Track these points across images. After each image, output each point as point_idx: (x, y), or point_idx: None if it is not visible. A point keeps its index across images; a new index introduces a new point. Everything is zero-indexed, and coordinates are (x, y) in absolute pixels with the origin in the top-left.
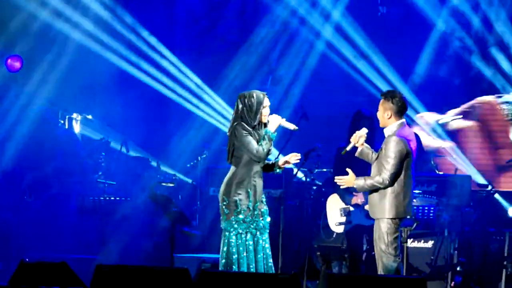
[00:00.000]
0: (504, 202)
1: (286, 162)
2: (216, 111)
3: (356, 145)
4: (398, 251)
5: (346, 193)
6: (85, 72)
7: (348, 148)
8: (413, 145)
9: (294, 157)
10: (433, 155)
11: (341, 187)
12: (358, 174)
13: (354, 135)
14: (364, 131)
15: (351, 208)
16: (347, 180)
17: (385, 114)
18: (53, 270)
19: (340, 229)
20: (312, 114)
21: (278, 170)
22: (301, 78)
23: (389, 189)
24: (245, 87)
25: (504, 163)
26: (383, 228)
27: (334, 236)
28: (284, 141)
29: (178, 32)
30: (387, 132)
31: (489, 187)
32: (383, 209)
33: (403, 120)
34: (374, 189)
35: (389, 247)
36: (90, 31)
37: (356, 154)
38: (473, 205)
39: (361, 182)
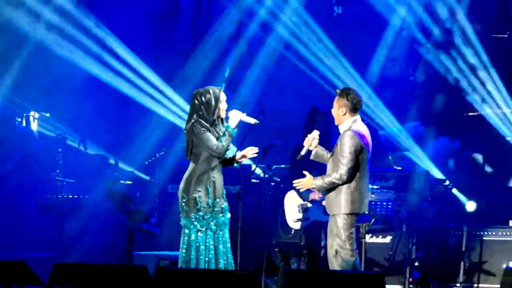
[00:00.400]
0: (461, 197)
1: (244, 156)
2: (175, 108)
3: (310, 148)
4: (354, 246)
5: (307, 190)
6: (43, 70)
7: (302, 153)
8: (368, 140)
9: (251, 151)
10: (391, 151)
11: (301, 190)
12: (316, 172)
13: (307, 138)
14: (316, 134)
15: (309, 204)
16: (305, 182)
17: (339, 111)
18: (11, 269)
19: (298, 226)
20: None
21: (235, 165)
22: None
23: (345, 185)
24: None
25: None
26: (339, 223)
27: (292, 232)
28: (242, 137)
29: (137, 30)
30: (342, 128)
31: (447, 182)
32: (339, 205)
33: (358, 116)
34: (329, 191)
35: (346, 242)
36: (49, 29)
37: (311, 157)
38: (431, 200)
39: (319, 182)
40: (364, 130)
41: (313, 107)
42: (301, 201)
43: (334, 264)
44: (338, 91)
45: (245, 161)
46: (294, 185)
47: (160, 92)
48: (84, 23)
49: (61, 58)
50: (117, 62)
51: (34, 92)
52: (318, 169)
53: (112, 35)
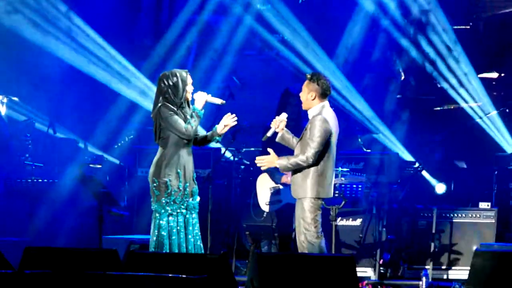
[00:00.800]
0: (431, 179)
1: (225, 126)
2: (144, 91)
3: (277, 130)
4: (320, 229)
5: (276, 172)
6: (11, 53)
7: (268, 134)
8: (336, 127)
9: (231, 119)
10: (360, 134)
11: (262, 168)
12: (285, 154)
13: (274, 120)
14: (284, 116)
15: (281, 187)
16: (269, 159)
17: (309, 95)
18: None
19: (270, 208)
20: (238, 92)
21: (218, 138)
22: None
23: (312, 169)
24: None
25: None
26: (305, 207)
27: (264, 215)
28: (211, 121)
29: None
30: (311, 113)
31: (417, 164)
32: (306, 189)
33: (326, 102)
34: (298, 169)
35: (311, 225)
36: (12, 10)
37: (277, 139)
38: (401, 182)
39: (284, 161)
40: (333, 116)
41: (286, 89)
42: (273, 184)
43: (301, 248)
44: (308, 75)
45: (215, 145)
46: (256, 161)
47: (128, 76)
48: (50, 7)
49: (29, 42)
50: (85, 45)
51: (1, 77)
52: (289, 152)
53: (80, 18)
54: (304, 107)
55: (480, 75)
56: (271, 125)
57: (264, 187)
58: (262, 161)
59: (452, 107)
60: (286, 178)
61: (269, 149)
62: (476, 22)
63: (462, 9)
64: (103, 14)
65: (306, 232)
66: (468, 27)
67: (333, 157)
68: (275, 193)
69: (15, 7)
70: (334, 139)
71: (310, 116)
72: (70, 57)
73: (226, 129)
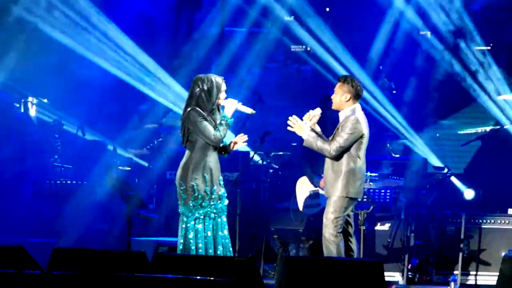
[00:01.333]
0: (460, 185)
1: (235, 143)
2: (173, 93)
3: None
4: (339, 231)
5: (315, 176)
6: (40, 55)
7: None
8: (367, 129)
9: (240, 138)
10: (389, 139)
11: (288, 128)
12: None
13: (307, 113)
14: (318, 111)
15: (320, 191)
16: (300, 125)
17: (343, 97)
18: (9, 254)
19: (308, 212)
20: (266, 97)
21: (224, 154)
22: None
23: (344, 169)
24: (203, 70)
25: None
26: (331, 204)
27: (305, 219)
28: (240, 125)
29: (133, 14)
30: (344, 114)
31: (445, 170)
32: (337, 187)
33: (358, 104)
34: (331, 169)
35: (332, 223)
36: (45, 13)
37: None
38: (430, 187)
39: (311, 138)
40: (364, 118)
41: (326, 94)
42: (312, 188)
43: (323, 243)
44: (341, 77)
45: (243, 148)
46: (288, 120)
47: (157, 78)
48: (82, 9)
49: (59, 44)
50: (115, 48)
51: (32, 78)
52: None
53: (111, 22)
54: (335, 107)
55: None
56: (303, 118)
57: (303, 190)
58: (294, 123)
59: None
60: (323, 182)
61: (304, 117)
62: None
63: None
64: (132, 17)
65: (325, 228)
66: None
67: (363, 158)
68: (314, 196)
69: (50, 11)
70: (365, 141)
71: (342, 117)
72: (100, 60)
73: (235, 147)
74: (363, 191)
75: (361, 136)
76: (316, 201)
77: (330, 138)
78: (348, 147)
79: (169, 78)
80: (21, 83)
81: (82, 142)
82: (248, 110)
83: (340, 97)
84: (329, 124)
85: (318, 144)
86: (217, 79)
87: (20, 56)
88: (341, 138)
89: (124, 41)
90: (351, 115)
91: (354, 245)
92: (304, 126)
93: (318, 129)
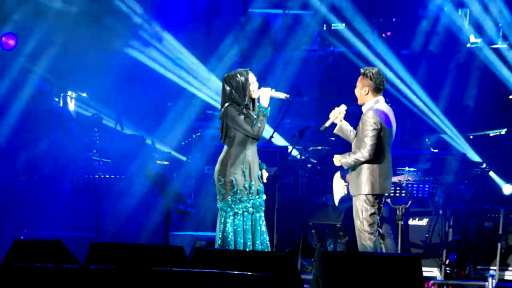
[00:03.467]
0: (498, 180)
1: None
2: (211, 89)
3: (335, 121)
4: (374, 229)
5: (343, 170)
6: (79, 49)
7: (326, 125)
8: (391, 121)
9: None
10: (427, 134)
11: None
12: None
13: (333, 111)
14: (343, 108)
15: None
16: (334, 159)
17: (362, 91)
18: (48, 248)
19: (343, 206)
20: (306, 91)
21: None
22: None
23: (365, 166)
24: (243, 65)
25: None
26: (358, 205)
27: (342, 214)
28: (279, 118)
29: (174, 9)
30: (364, 108)
31: (484, 165)
32: (359, 186)
33: (381, 97)
34: (353, 167)
35: (364, 224)
36: (83, 7)
37: (335, 131)
38: (468, 182)
39: (345, 159)
40: (387, 110)
41: None
42: (344, 182)
43: (358, 247)
44: (362, 70)
45: (282, 143)
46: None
47: (196, 73)
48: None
49: (97, 37)
50: (154, 42)
51: (70, 72)
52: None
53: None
54: (359, 102)
55: None
56: (330, 116)
57: (338, 185)
58: (335, 160)
59: None
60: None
61: (330, 116)
62: None
63: None
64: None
65: (358, 232)
66: None
67: (387, 152)
68: (348, 190)
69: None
70: (386, 133)
71: (363, 111)
72: (139, 54)
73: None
74: (401, 186)
75: (381, 129)
76: (348, 195)
77: (354, 136)
78: (377, 142)
79: (208, 73)
80: (61, 76)
81: (121, 136)
82: (282, 95)
83: (360, 91)
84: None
85: (352, 157)
86: (243, 72)
87: (59, 50)
88: (367, 137)
89: (166, 35)
90: (369, 109)
91: (389, 245)
92: (336, 156)
93: (346, 124)
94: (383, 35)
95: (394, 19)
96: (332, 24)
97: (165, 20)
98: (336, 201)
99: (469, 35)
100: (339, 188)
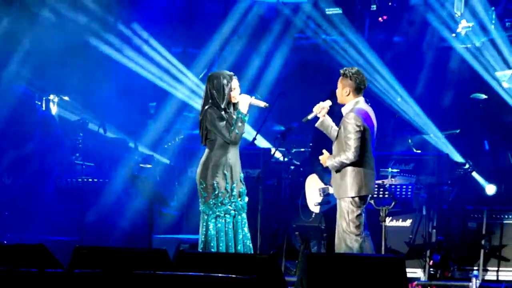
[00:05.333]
0: (481, 180)
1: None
2: (194, 91)
3: (318, 115)
4: (360, 230)
5: (325, 173)
6: (62, 53)
7: (309, 117)
8: (372, 122)
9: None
10: (410, 134)
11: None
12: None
13: (318, 105)
14: (328, 103)
15: (330, 189)
16: (322, 159)
17: (343, 91)
18: (31, 252)
19: (318, 209)
20: (289, 93)
21: None
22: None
23: (349, 168)
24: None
25: None
26: (343, 207)
27: (313, 216)
28: (261, 121)
29: (154, 9)
30: (344, 109)
31: (467, 166)
32: (345, 188)
33: (361, 98)
34: (336, 169)
35: (350, 226)
36: (67, 11)
37: (317, 125)
38: (451, 183)
39: (330, 161)
40: (367, 111)
41: (332, 90)
42: (322, 185)
43: (339, 249)
44: (342, 71)
45: (265, 145)
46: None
47: (178, 76)
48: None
49: (80, 41)
50: (135, 44)
51: (52, 76)
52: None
53: (132, 19)
54: (339, 101)
55: None
56: (313, 109)
57: (313, 188)
58: (321, 160)
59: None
60: None
61: (324, 150)
62: None
63: None
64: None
65: (345, 234)
66: None
67: (369, 153)
68: (324, 194)
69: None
70: (368, 134)
71: (343, 112)
72: (121, 57)
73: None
74: (384, 187)
75: (364, 130)
76: (327, 199)
77: (334, 138)
78: (361, 144)
79: (192, 75)
80: (43, 81)
81: (104, 139)
82: (261, 104)
83: (341, 91)
84: (337, 120)
85: (336, 160)
86: (226, 75)
87: (41, 54)
88: (350, 140)
89: (145, 37)
90: (350, 110)
91: (367, 246)
92: (323, 157)
93: (329, 120)
94: (380, 19)
95: (390, 3)
96: (326, 9)
97: (147, 20)
98: (309, 204)
99: (461, 19)
100: (314, 192)
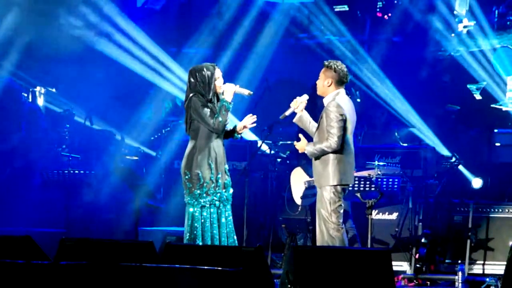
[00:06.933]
0: (467, 174)
1: (244, 126)
2: (181, 83)
3: (296, 110)
4: (341, 220)
5: (310, 166)
6: (48, 44)
7: (287, 113)
8: (351, 113)
9: (250, 119)
10: (396, 127)
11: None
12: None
13: (295, 100)
14: (305, 98)
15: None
16: (299, 145)
17: (325, 82)
18: (17, 244)
19: (303, 202)
20: (276, 86)
21: (236, 135)
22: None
23: (331, 156)
24: (208, 59)
25: None
26: (325, 196)
27: (299, 209)
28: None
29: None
30: (326, 100)
31: (453, 159)
32: (326, 177)
33: (342, 89)
34: (317, 158)
35: (332, 216)
36: (54, 4)
37: (294, 120)
38: (437, 176)
39: (310, 148)
40: (348, 103)
41: (314, 84)
42: (307, 178)
43: (321, 240)
44: (326, 62)
45: (251, 137)
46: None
47: (166, 67)
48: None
49: (67, 33)
50: (122, 37)
51: (39, 68)
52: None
53: (120, 11)
54: (319, 93)
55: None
56: (291, 105)
57: (298, 181)
58: (296, 146)
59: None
60: None
61: (300, 135)
62: None
63: None
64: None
65: (326, 224)
66: None
67: (351, 142)
68: (310, 186)
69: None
70: (349, 125)
71: (325, 103)
72: (108, 49)
73: (244, 130)
74: (371, 180)
75: (345, 120)
76: (312, 192)
77: (316, 128)
78: (343, 134)
79: (178, 68)
80: (29, 72)
81: (90, 131)
82: (246, 92)
83: (323, 82)
84: (319, 112)
85: (317, 147)
86: (209, 67)
87: (28, 46)
88: (333, 128)
89: (134, 30)
90: (332, 100)
91: (352, 239)
92: (301, 144)
93: (306, 115)
94: (385, 16)
95: (395, 1)
96: (335, 7)
97: (134, 14)
98: (295, 197)
99: (463, 18)
100: (299, 185)
